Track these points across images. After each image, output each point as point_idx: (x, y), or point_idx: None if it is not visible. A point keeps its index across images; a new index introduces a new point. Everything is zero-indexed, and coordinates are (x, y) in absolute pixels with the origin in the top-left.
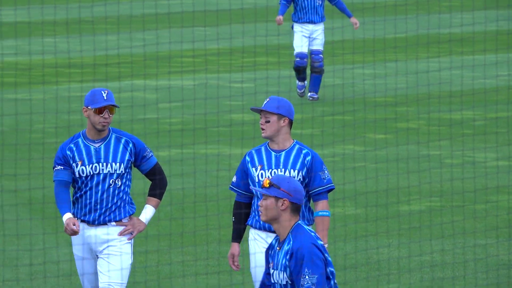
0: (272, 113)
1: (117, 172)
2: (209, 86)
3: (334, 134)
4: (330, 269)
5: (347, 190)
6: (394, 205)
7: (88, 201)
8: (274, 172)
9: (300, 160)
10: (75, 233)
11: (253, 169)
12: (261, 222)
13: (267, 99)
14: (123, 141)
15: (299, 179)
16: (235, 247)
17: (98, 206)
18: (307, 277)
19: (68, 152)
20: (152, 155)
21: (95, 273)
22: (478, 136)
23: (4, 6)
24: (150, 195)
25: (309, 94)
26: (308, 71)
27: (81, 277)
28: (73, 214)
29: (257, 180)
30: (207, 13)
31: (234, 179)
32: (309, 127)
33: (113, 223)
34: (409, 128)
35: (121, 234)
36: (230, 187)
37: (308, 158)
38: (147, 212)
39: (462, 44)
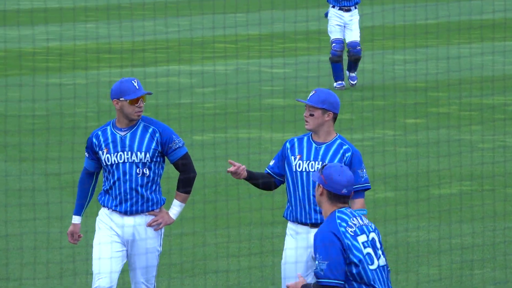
0: (317, 107)
1: (143, 161)
2: (240, 72)
3: (364, 118)
4: (357, 256)
5: (377, 174)
6: (425, 188)
7: (118, 191)
8: (312, 164)
9: (339, 155)
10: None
11: (292, 157)
12: (294, 215)
13: (313, 92)
14: (150, 130)
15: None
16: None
17: (128, 196)
18: (317, 262)
19: (94, 140)
20: (180, 146)
21: (113, 258)
22: (510, 120)
23: None
24: (177, 190)
25: (349, 76)
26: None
27: (97, 261)
28: (104, 202)
29: (294, 170)
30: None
31: (271, 162)
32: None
33: (146, 213)
34: (440, 113)
35: (149, 225)
36: (266, 170)
37: (348, 154)
38: (175, 208)
39: (493, 30)
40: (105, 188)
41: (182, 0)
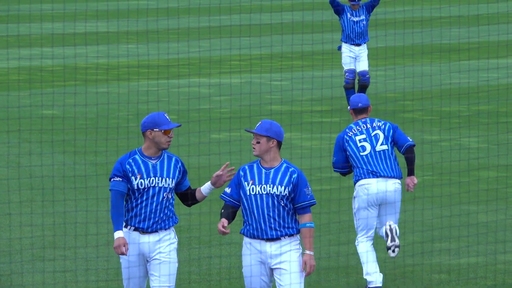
0: (262, 135)
1: (170, 186)
2: (252, 84)
3: (347, 120)
4: None
5: None
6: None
7: (143, 210)
8: (264, 187)
9: (287, 176)
10: (122, 254)
11: (245, 183)
12: (251, 232)
13: (259, 122)
14: (173, 159)
15: (286, 194)
16: (223, 220)
17: (152, 216)
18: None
19: (128, 166)
20: (186, 177)
21: (142, 277)
22: (463, 124)
23: (89, 19)
24: (194, 198)
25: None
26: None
27: (127, 281)
28: (125, 221)
29: (248, 193)
30: (251, 26)
31: (228, 189)
32: (336, 116)
33: (163, 230)
34: (405, 117)
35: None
36: (221, 196)
37: (294, 175)
38: (205, 186)
39: (449, 52)
40: (127, 208)
41: (203, 26)
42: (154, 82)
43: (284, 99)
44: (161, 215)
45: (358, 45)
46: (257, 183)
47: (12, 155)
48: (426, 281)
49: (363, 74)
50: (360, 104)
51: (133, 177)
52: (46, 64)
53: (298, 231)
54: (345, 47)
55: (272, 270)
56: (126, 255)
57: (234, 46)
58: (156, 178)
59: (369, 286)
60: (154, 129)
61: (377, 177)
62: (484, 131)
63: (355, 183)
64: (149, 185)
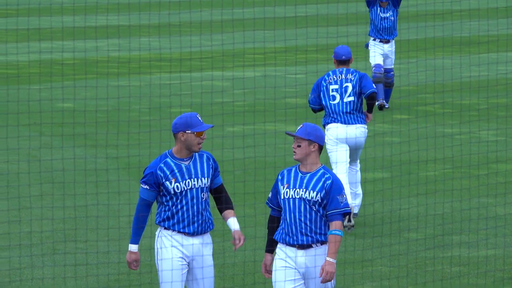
0: (303, 138)
1: (206, 185)
2: (267, 77)
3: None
4: None
5: (378, 159)
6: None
7: (186, 215)
8: (297, 191)
9: (321, 182)
10: (133, 268)
11: (281, 186)
12: (284, 237)
13: (301, 125)
14: (205, 156)
15: (318, 199)
16: (268, 257)
17: (195, 219)
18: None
19: (160, 172)
20: (219, 172)
21: (183, 281)
22: (483, 117)
23: (110, 13)
24: (226, 208)
25: (378, 101)
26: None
27: (168, 284)
28: (167, 227)
29: (282, 197)
30: (266, 19)
31: (270, 194)
32: None
33: (205, 233)
34: (427, 111)
35: (237, 248)
36: (266, 202)
37: (328, 182)
38: (235, 223)
39: (469, 45)
40: (169, 214)
41: (215, 19)
42: (167, 75)
43: (298, 92)
44: (203, 217)
45: (387, 41)
46: (291, 186)
47: (33, 149)
48: (444, 273)
49: (388, 71)
50: (343, 57)
51: (167, 182)
52: (57, 57)
53: None
54: (373, 43)
55: (303, 276)
56: (136, 270)
57: (248, 39)
58: (192, 179)
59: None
60: (187, 131)
61: (342, 123)
62: (502, 124)
63: (324, 126)
64: (185, 188)
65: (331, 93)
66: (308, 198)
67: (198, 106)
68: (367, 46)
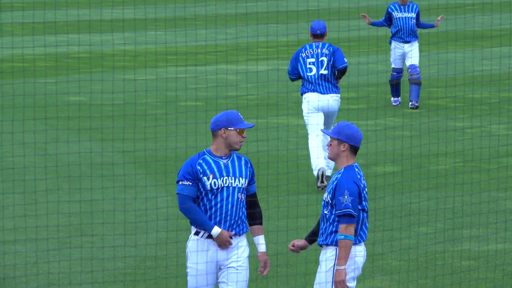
0: (333, 137)
1: (243, 186)
2: (280, 71)
3: (373, 107)
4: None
5: (389, 153)
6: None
7: (218, 212)
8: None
9: (331, 184)
10: (229, 245)
11: None
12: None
13: (336, 124)
14: (243, 159)
15: (328, 200)
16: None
17: (228, 218)
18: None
19: (199, 167)
20: (254, 181)
21: (210, 285)
22: (494, 111)
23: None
24: (256, 224)
25: (410, 103)
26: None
27: None
28: (199, 231)
29: None
30: (279, 13)
31: None
32: (363, 103)
33: (238, 236)
34: (438, 105)
35: (264, 275)
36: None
37: (335, 182)
38: (263, 243)
39: (491, 39)
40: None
41: (230, 13)
42: (182, 69)
43: None
44: (237, 218)
45: (408, 42)
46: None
47: (39, 143)
48: (454, 267)
49: (412, 67)
50: (318, 31)
51: (205, 178)
52: (73, 51)
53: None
54: (394, 45)
55: None
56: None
57: (261, 33)
58: (229, 177)
59: (314, 170)
60: (229, 128)
61: (318, 92)
62: (509, 118)
63: (301, 94)
64: (223, 185)
65: (308, 66)
66: (325, 199)
67: (213, 100)
68: (390, 42)
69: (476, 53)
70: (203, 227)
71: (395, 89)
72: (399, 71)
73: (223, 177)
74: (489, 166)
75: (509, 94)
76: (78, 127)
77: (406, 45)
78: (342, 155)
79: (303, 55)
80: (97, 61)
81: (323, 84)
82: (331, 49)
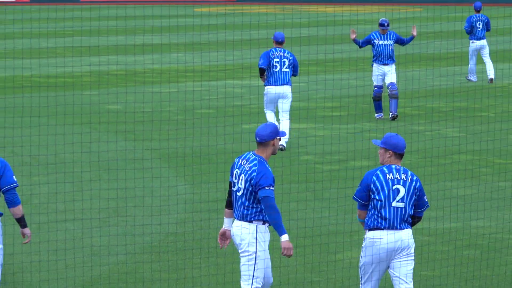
0: (380, 146)
1: None
2: None
3: (352, 115)
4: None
5: (364, 150)
6: None
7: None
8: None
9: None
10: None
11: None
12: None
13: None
14: None
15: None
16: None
17: None
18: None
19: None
20: None
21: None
22: (449, 116)
23: (146, 33)
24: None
25: (390, 113)
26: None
27: (262, 270)
28: (263, 220)
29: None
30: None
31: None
32: (344, 111)
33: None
34: (404, 113)
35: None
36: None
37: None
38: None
39: (439, 60)
40: (260, 209)
41: (236, 39)
42: (198, 83)
43: (301, 97)
44: None
45: (387, 64)
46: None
47: (85, 142)
48: (417, 242)
49: (391, 84)
50: (280, 39)
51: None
52: (112, 69)
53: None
54: (375, 66)
55: None
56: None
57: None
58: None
59: None
60: (276, 138)
61: (278, 84)
62: (462, 123)
63: (265, 86)
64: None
65: (274, 63)
66: None
67: (222, 108)
68: (372, 65)
69: (434, 71)
70: (279, 227)
71: (378, 105)
72: (379, 87)
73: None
74: (444, 161)
75: (460, 104)
76: (116, 130)
77: (386, 67)
78: (388, 162)
79: (272, 55)
80: (131, 77)
81: (282, 78)
82: (293, 57)
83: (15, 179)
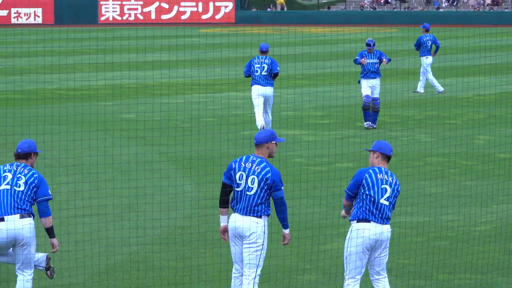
0: (369, 150)
1: None
2: (274, 97)
3: (338, 122)
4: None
5: (350, 154)
6: None
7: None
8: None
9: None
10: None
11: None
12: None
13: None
14: None
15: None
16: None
17: None
18: None
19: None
20: None
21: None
22: (421, 124)
23: (156, 51)
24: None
25: (371, 124)
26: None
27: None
28: (268, 215)
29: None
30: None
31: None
32: (332, 119)
33: None
34: (383, 121)
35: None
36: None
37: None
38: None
39: (412, 74)
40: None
41: (239, 56)
42: (203, 95)
43: (293, 107)
44: None
45: (374, 78)
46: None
47: (101, 147)
48: (393, 234)
49: (374, 99)
50: (264, 49)
51: None
52: (125, 82)
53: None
54: (364, 80)
55: None
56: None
57: None
58: None
59: (258, 125)
60: (272, 142)
61: (260, 85)
62: (433, 129)
63: (251, 86)
64: None
65: (255, 68)
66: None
67: (225, 117)
68: (359, 81)
69: (409, 84)
70: (286, 222)
71: (367, 114)
72: (367, 97)
73: None
74: (418, 163)
75: (432, 113)
76: (128, 136)
77: (373, 80)
78: (375, 162)
79: (254, 62)
80: (142, 90)
81: (264, 80)
82: (270, 61)
83: (50, 193)
